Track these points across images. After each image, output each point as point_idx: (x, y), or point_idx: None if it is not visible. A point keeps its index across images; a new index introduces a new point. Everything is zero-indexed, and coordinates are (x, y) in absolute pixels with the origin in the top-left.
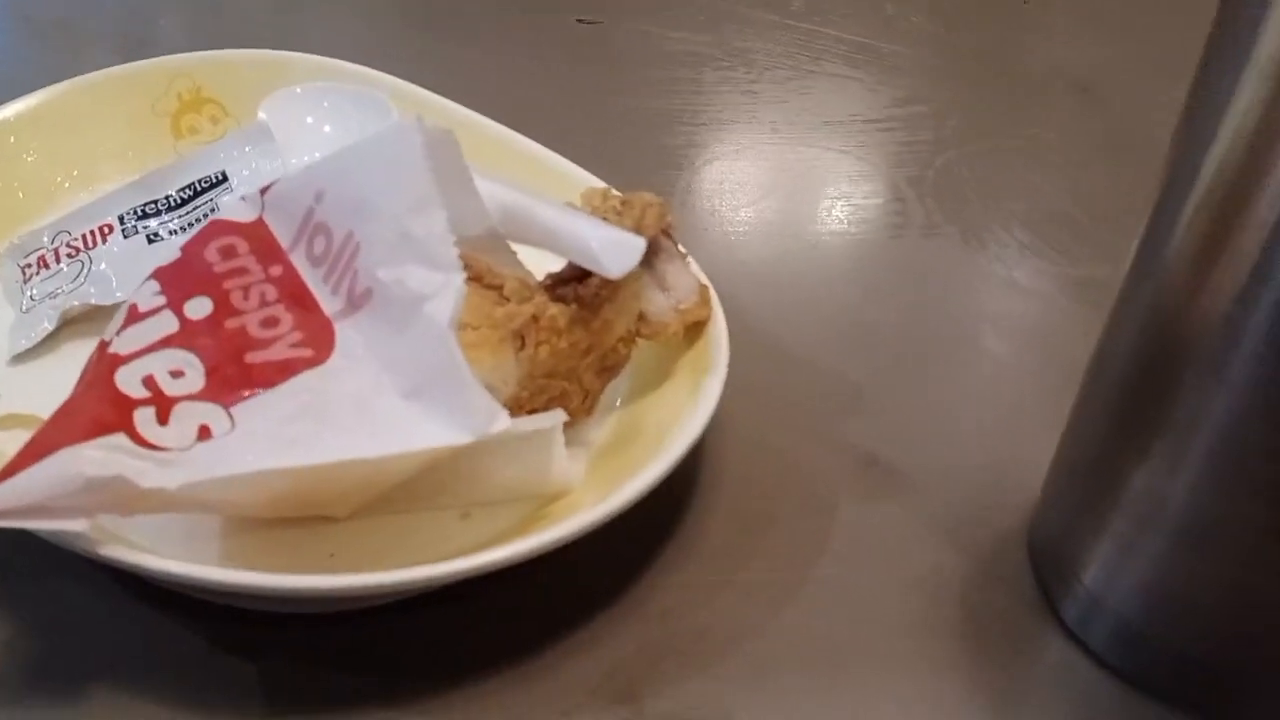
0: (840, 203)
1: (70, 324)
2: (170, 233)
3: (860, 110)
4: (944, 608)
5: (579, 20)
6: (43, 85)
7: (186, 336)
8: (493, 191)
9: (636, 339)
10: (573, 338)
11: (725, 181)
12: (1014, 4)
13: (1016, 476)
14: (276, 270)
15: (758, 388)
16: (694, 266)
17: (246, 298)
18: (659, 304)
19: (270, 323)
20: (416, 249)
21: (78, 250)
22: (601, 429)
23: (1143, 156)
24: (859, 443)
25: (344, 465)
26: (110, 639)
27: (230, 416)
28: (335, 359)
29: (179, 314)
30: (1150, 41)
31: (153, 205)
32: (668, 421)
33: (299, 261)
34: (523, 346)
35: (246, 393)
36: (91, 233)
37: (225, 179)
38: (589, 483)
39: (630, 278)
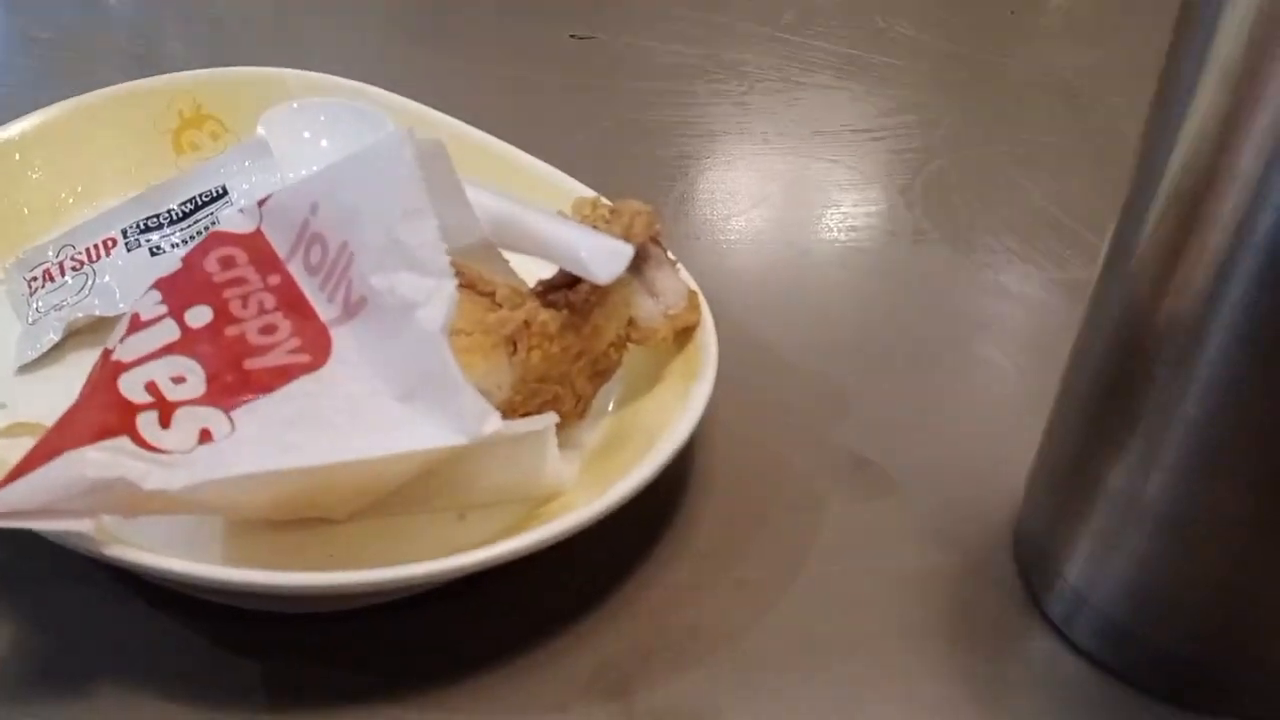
0: (831, 211)
1: (75, 335)
2: (172, 246)
3: (850, 120)
4: (931, 606)
5: (572, 36)
6: (46, 104)
7: (187, 344)
8: (484, 201)
9: (627, 344)
10: (564, 343)
11: (717, 191)
12: (1000, 14)
13: (1002, 476)
14: (274, 279)
15: (748, 391)
16: (683, 273)
17: (245, 306)
18: (648, 309)
19: (268, 330)
20: (408, 257)
21: (82, 263)
22: (594, 432)
23: (1127, 162)
24: (847, 444)
25: (341, 467)
26: (115, 639)
27: (230, 420)
28: (332, 365)
29: (180, 322)
30: (1135, 48)
31: (155, 219)
32: (658, 424)
33: (296, 271)
34: (515, 351)
35: (246, 397)
36: (95, 246)
37: (225, 193)
38: (581, 484)
39: (619, 284)
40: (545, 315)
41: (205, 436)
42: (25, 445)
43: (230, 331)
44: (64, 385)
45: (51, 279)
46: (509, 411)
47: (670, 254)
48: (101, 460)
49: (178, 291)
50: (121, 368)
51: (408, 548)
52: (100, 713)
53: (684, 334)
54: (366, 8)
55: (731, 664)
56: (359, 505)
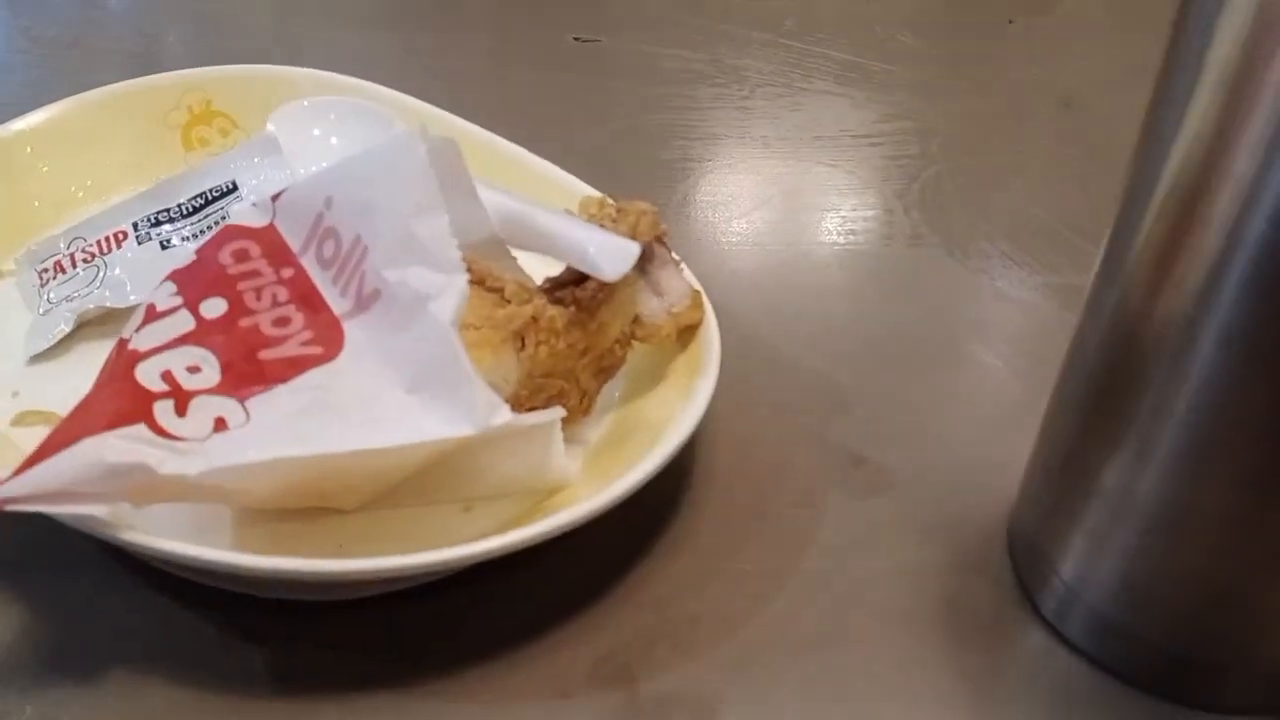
0: (830, 215)
1: (85, 326)
2: (182, 239)
3: (849, 126)
4: (926, 600)
5: (577, 39)
6: (50, 103)
7: (202, 334)
8: (493, 199)
9: (632, 341)
10: (570, 339)
11: (719, 194)
12: (999, 23)
13: (997, 475)
14: (288, 272)
15: (749, 390)
16: (687, 272)
17: (259, 298)
18: (653, 307)
19: (282, 322)
20: (421, 251)
21: (93, 255)
22: (598, 428)
23: (1121, 171)
24: (846, 442)
25: (352, 456)
26: (124, 625)
27: (245, 410)
28: (344, 356)
29: (195, 313)
30: (1131, 58)
31: (165, 213)
32: (661, 420)
33: (309, 264)
34: (523, 347)
35: (260, 388)
36: (106, 239)
37: (235, 188)
38: (586, 478)
39: (625, 281)
40: (553, 311)
41: (220, 425)
42: (37, 433)
43: (244, 323)
44: (75, 375)
45: (62, 270)
46: (515, 406)
47: (674, 254)
48: (119, 446)
49: (192, 283)
50: (138, 357)
51: (414, 538)
52: (108, 699)
53: (687, 332)
54: (369, 10)
55: (732, 653)
56: (368, 495)
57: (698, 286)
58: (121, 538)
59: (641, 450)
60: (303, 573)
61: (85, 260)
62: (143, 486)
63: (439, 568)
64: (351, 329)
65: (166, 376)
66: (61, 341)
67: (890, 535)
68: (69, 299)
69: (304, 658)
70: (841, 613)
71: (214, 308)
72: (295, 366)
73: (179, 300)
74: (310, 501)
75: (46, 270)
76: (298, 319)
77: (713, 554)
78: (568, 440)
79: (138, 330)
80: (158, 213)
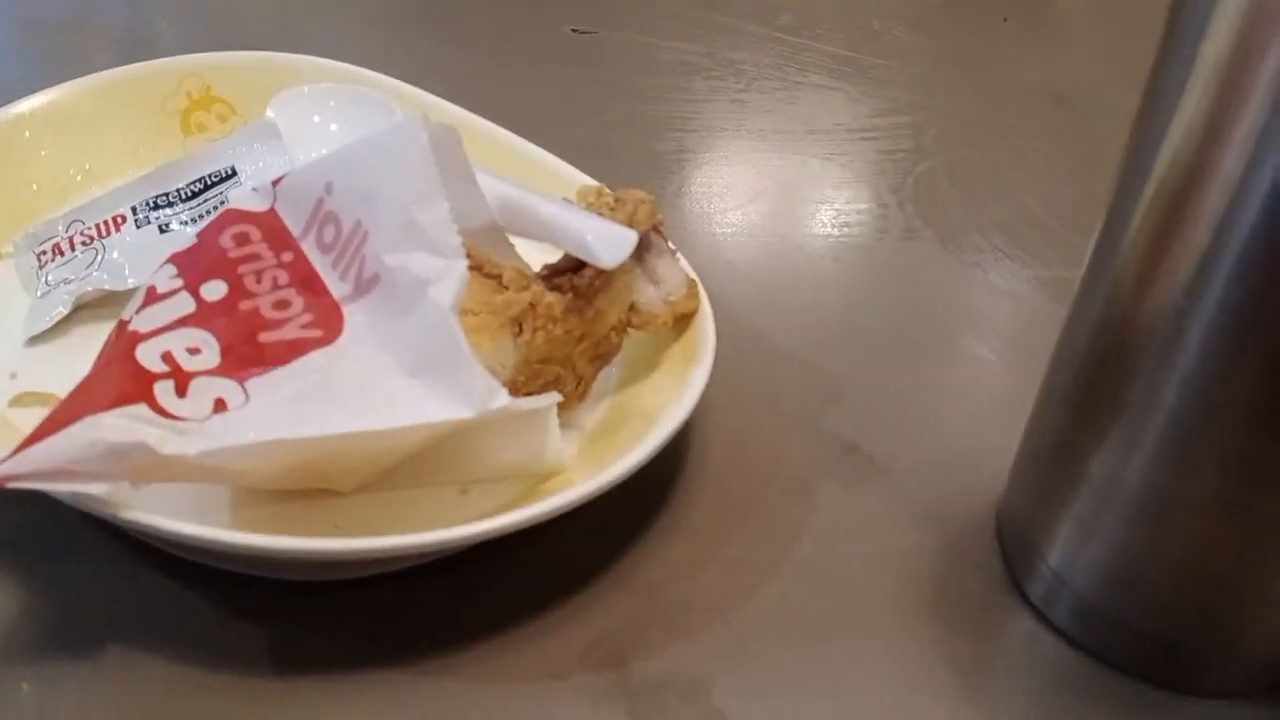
0: (824, 207)
1: (83, 309)
2: (181, 223)
3: (844, 120)
4: (917, 586)
5: (574, 30)
6: (47, 87)
7: (203, 317)
8: (493, 186)
9: (628, 329)
10: (568, 325)
11: (714, 186)
12: (994, 20)
13: (987, 464)
14: (288, 256)
15: (743, 378)
16: (683, 262)
17: (259, 281)
18: (649, 295)
19: (282, 305)
20: (421, 237)
21: (92, 239)
22: (594, 414)
23: (1112, 167)
24: (839, 431)
25: (350, 438)
26: (122, 605)
27: (245, 391)
28: (343, 339)
29: (195, 296)
30: (1125, 55)
31: (164, 197)
32: (656, 407)
33: (309, 248)
34: (520, 333)
35: (259, 369)
36: (105, 222)
37: (234, 173)
38: (581, 463)
39: (622, 269)
40: (550, 298)
41: (220, 406)
42: (35, 414)
43: (244, 305)
44: (72, 357)
45: (61, 253)
46: (512, 391)
47: (671, 244)
48: (120, 425)
49: (193, 266)
50: (139, 338)
51: (411, 520)
52: (107, 678)
53: (683, 320)
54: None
55: (724, 637)
56: (366, 477)
57: (694, 276)
58: (121, 517)
59: (636, 436)
60: (300, 552)
61: (84, 243)
62: (143, 466)
63: (435, 548)
64: (351, 313)
65: (167, 357)
66: (59, 324)
67: (881, 523)
68: (67, 281)
69: (301, 637)
70: (832, 599)
71: (214, 290)
72: (295, 349)
73: (179, 282)
74: (309, 483)
75: (45, 253)
76: (298, 302)
77: (706, 540)
78: (563, 425)
79: (138, 312)
80: (157, 197)
